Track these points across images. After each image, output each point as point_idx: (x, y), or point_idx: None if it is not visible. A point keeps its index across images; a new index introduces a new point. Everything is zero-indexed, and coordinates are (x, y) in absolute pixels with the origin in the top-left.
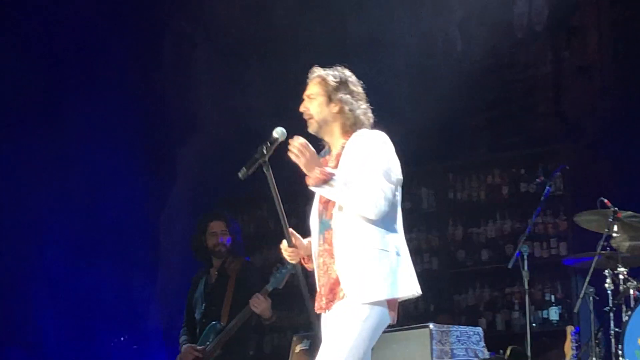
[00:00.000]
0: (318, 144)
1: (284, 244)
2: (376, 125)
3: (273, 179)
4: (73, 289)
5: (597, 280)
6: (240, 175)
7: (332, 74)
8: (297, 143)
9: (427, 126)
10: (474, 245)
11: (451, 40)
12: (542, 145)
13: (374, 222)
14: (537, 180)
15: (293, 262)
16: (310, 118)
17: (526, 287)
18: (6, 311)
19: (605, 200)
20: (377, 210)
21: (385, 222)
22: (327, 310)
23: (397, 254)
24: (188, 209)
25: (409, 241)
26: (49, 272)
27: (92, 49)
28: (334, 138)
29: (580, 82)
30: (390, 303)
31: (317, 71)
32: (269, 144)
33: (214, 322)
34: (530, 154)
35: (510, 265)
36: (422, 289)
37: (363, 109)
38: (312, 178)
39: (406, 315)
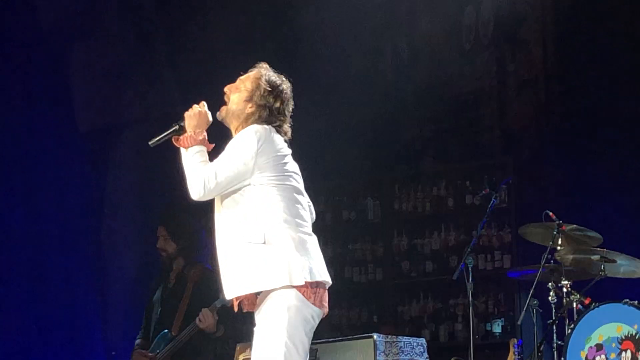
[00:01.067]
0: None
1: None
2: (322, 134)
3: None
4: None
5: (541, 292)
6: (150, 143)
7: (270, 79)
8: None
9: (374, 137)
10: (418, 256)
11: (398, 50)
12: (487, 158)
13: (239, 216)
14: (483, 192)
15: None
16: (225, 103)
17: (470, 299)
18: None
19: (550, 213)
20: (194, 194)
21: (252, 212)
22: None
23: (264, 243)
24: (133, 211)
25: (353, 251)
26: None
27: (29, 37)
28: (233, 133)
29: (524, 95)
30: (301, 292)
31: (261, 68)
32: (166, 132)
33: (165, 331)
34: (476, 166)
35: (455, 277)
36: (366, 300)
37: (275, 125)
38: (181, 136)
39: (349, 325)
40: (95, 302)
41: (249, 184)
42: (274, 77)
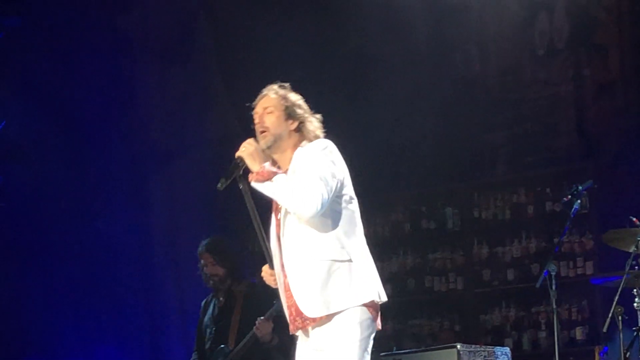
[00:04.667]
0: None
1: (265, 268)
2: (398, 144)
3: (249, 193)
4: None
5: (626, 299)
6: (219, 186)
7: (290, 92)
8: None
9: (451, 145)
10: (499, 264)
11: (471, 58)
12: (565, 164)
13: (321, 234)
14: (564, 199)
15: (275, 286)
16: (264, 131)
17: (554, 306)
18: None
19: (634, 219)
20: (312, 209)
21: (333, 230)
22: (304, 329)
23: (350, 261)
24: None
25: (433, 261)
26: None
27: (99, 65)
28: (285, 155)
29: (601, 99)
30: (369, 309)
31: (271, 90)
32: (230, 171)
33: (222, 346)
34: (555, 172)
35: (538, 285)
36: (448, 309)
37: (317, 125)
38: (254, 173)
39: (431, 334)
40: (176, 321)
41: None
42: (284, 88)
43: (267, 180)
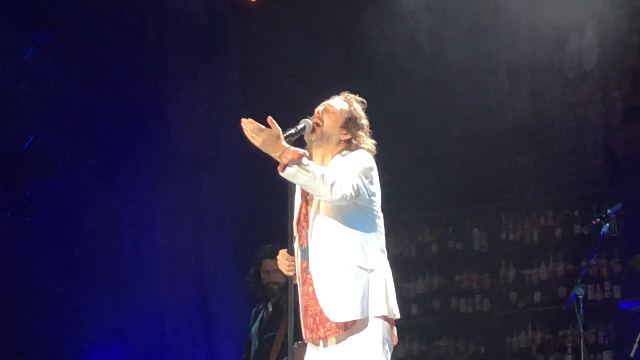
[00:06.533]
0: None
1: (282, 253)
2: (426, 165)
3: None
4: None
5: None
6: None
7: (360, 109)
8: (247, 122)
9: (480, 166)
10: (526, 286)
11: (500, 79)
12: (593, 187)
13: (349, 240)
14: (593, 222)
15: (289, 274)
16: (318, 124)
17: (581, 330)
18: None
19: None
20: (339, 193)
21: (360, 238)
22: (324, 339)
23: (373, 271)
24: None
25: (459, 282)
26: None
27: (137, 81)
28: (325, 157)
29: (630, 122)
30: (389, 322)
31: (351, 96)
32: (297, 129)
33: None
34: (583, 195)
35: (565, 308)
36: (473, 331)
37: (369, 147)
38: (284, 158)
39: (457, 356)
40: (203, 336)
41: (361, 208)
42: (359, 106)
43: (297, 160)
